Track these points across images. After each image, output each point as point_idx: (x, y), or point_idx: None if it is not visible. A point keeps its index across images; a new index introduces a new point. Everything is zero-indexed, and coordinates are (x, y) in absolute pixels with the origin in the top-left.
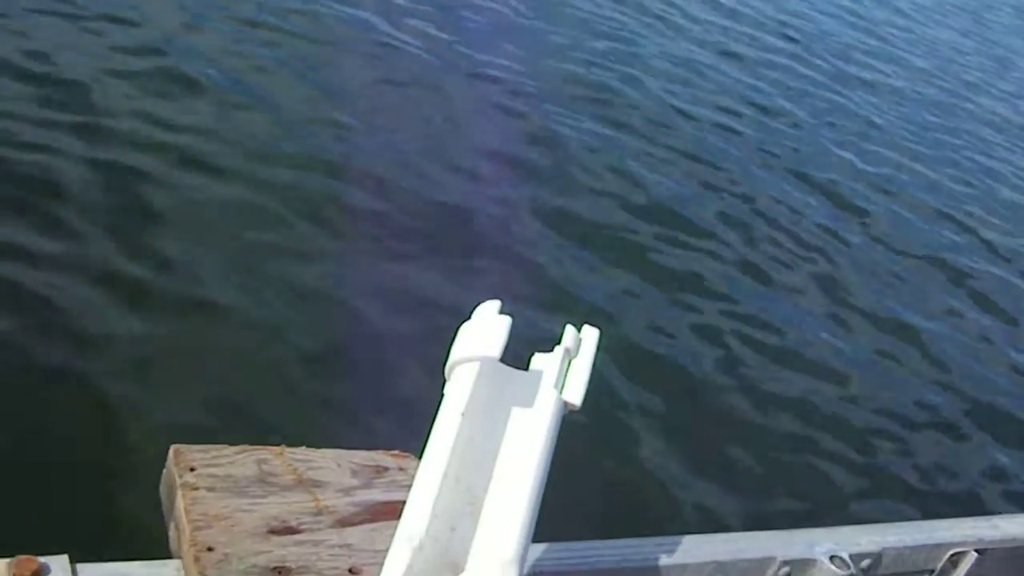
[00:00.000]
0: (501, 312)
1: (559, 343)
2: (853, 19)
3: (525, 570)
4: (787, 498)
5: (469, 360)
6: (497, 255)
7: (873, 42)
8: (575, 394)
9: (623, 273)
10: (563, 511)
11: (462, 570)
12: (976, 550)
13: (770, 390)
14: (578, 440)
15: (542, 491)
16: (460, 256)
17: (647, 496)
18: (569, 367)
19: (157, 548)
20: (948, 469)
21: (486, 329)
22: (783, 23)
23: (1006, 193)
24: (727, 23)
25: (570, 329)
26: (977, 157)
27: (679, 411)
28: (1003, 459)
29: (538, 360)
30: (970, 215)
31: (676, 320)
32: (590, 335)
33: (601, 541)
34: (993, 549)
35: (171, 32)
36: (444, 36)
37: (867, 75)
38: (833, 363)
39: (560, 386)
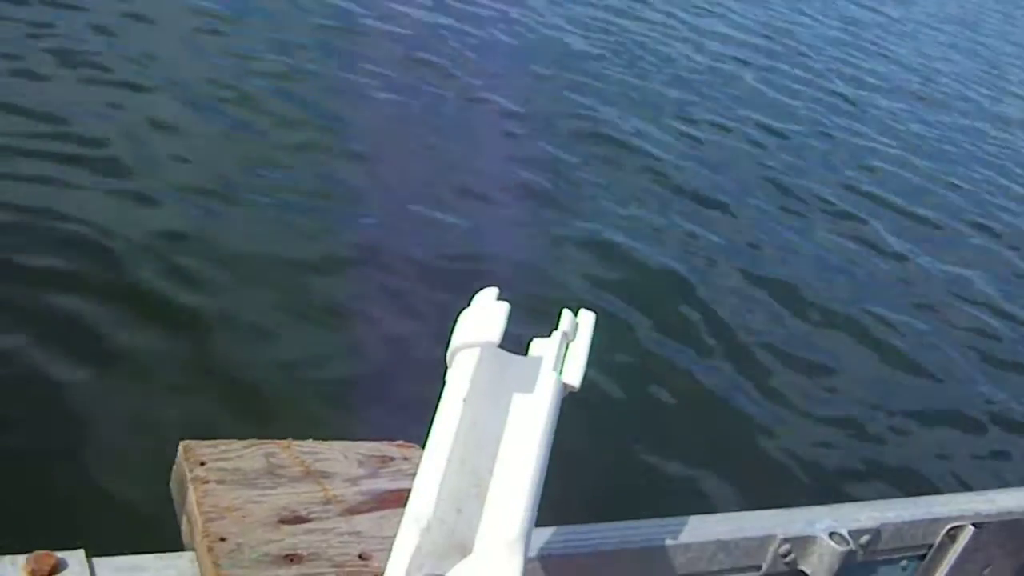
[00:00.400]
0: (499, 299)
1: (556, 328)
2: (851, 28)
3: (531, 553)
4: (787, 477)
5: (470, 346)
6: (497, 254)
7: (870, 47)
8: (574, 376)
9: (616, 270)
10: (566, 495)
11: (469, 551)
12: (973, 524)
13: (769, 374)
14: (580, 424)
15: (545, 472)
16: (462, 257)
17: (648, 478)
18: (567, 351)
19: (170, 542)
20: (945, 447)
21: (485, 315)
22: (782, 31)
23: (1006, 183)
24: (735, 36)
25: (567, 313)
26: (978, 154)
27: (679, 395)
28: (998, 438)
29: (537, 345)
30: (979, 212)
31: (675, 310)
32: (586, 319)
33: (604, 523)
34: (990, 523)
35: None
36: (453, 62)
37: (867, 78)
38: (833, 349)
39: (559, 369)
